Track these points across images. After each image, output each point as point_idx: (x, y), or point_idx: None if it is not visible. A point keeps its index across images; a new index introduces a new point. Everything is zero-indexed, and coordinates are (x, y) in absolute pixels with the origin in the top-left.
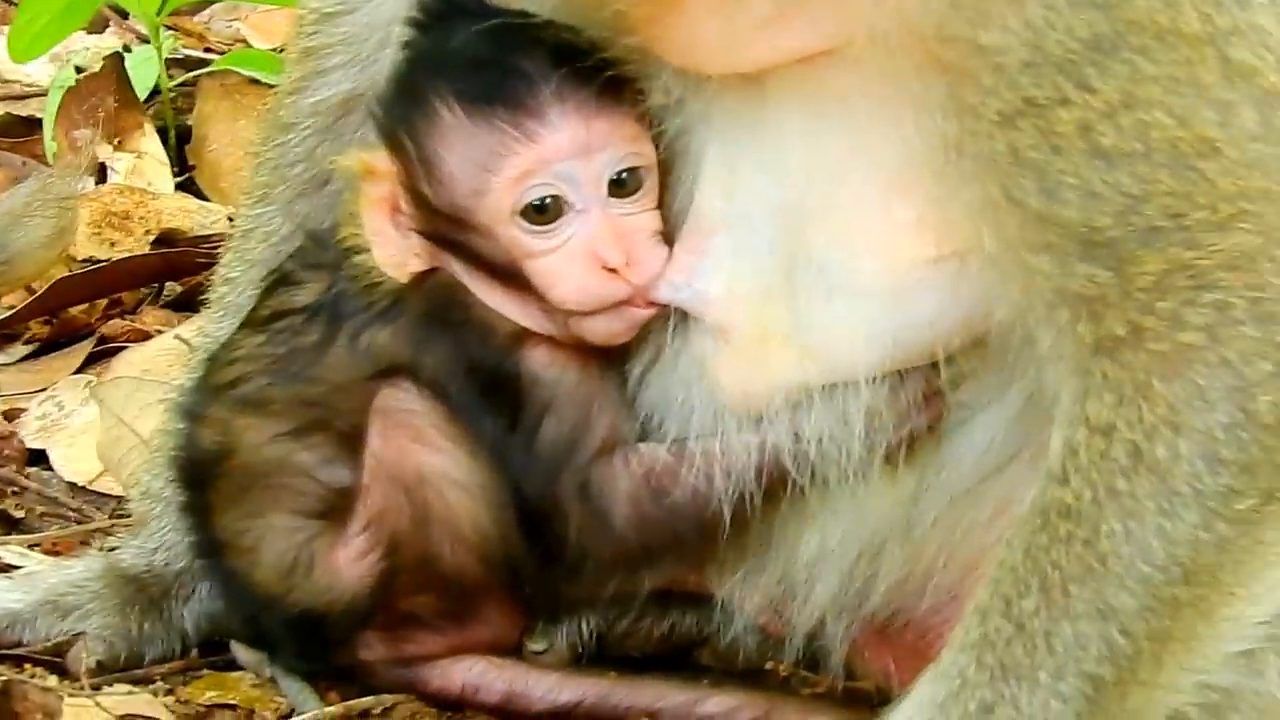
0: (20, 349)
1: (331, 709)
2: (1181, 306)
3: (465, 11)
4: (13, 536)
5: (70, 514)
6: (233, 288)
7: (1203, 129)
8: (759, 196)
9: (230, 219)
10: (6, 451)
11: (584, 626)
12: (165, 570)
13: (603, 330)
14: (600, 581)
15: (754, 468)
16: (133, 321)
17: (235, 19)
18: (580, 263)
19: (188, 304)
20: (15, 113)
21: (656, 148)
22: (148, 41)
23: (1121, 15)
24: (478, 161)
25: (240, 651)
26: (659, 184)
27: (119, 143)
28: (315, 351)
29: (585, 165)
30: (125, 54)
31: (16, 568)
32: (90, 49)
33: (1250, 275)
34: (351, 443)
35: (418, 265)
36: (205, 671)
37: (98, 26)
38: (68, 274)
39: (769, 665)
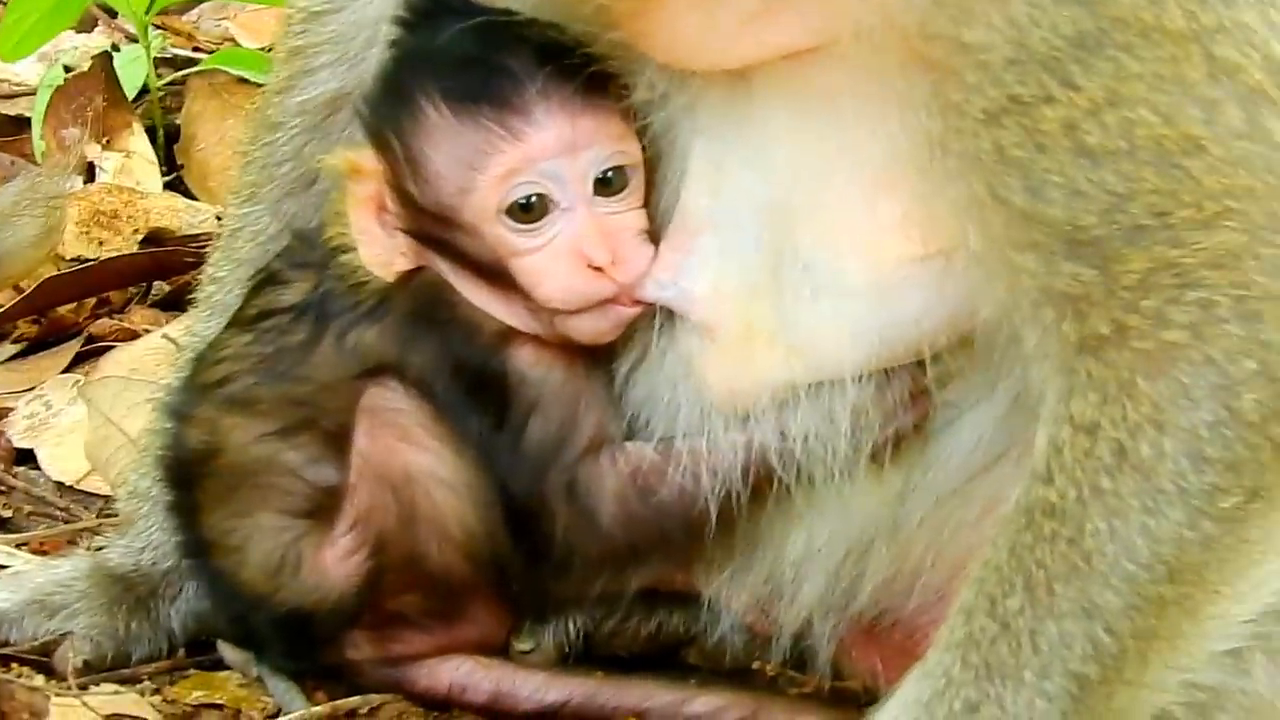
0: (8, 348)
1: (318, 708)
2: (1166, 305)
3: (451, 10)
4: (0, 536)
5: (58, 513)
6: (220, 287)
7: (1188, 127)
8: (745, 194)
9: (219, 218)
10: None
11: (571, 626)
12: (152, 570)
13: (588, 329)
14: (587, 580)
15: (740, 466)
16: (121, 321)
17: (224, 18)
18: (566, 261)
19: (176, 303)
20: (3, 112)
21: (642, 145)
22: (136, 41)
23: (1106, 12)
24: (463, 160)
25: (227, 651)
26: (645, 181)
27: (107, 142)
28: (302, 350)
29: (571, 163)
30: (114, 53)
31: (3, 567)
32: (79, 48)
33: (1235, 273)
34: (338, 442)
35: (404, 264)
36: (192, 671)
37: (86, 25)
38: (56, 273)
39: (756, 665)
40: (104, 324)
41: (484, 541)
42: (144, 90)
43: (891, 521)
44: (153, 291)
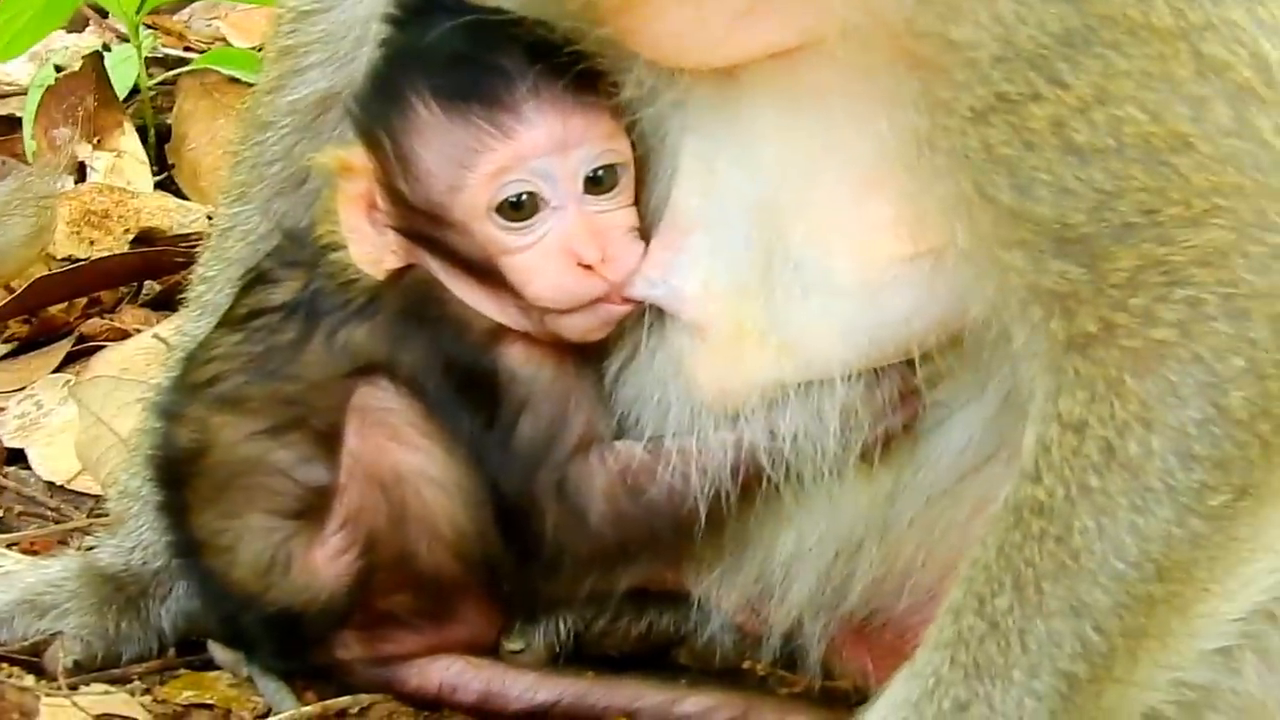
0: None
1: (308, 708)
2: (1154, 303)
3: (442, 8)
4: None
5: (48, 513)
6: (210, 286)
7: (1176, 124)
8: (735, 193)
9: (209, 218)
10: None
11: (561, 626)
12: (143, 569)
13: (578, 327)
14: (577, 580)
15: (730, 465)
16: (111, 320)
17: (215, 17)
18: (556, 259)
19: (167, 303)
20: None
21: (632, 143)
22: (127, 40)
23: (1093, 10)
24: (454, 158)
25: (217, 651)
26: (635, 179)
27: (98, 141)
28: (292, 349)
29: (561, 162)
30: (105, 53)
31: None
32: (70, 48)
33: (1223, 271)
34: (329, 441)
35: (394, 262)
36: (182, 671)
37: (77, 25)
38: (47, 273)
39: (746, 664)
40: (95, 324)
41: (474, 541)
42: (135, 90)
43: (882, 521)
44: (143, 291)
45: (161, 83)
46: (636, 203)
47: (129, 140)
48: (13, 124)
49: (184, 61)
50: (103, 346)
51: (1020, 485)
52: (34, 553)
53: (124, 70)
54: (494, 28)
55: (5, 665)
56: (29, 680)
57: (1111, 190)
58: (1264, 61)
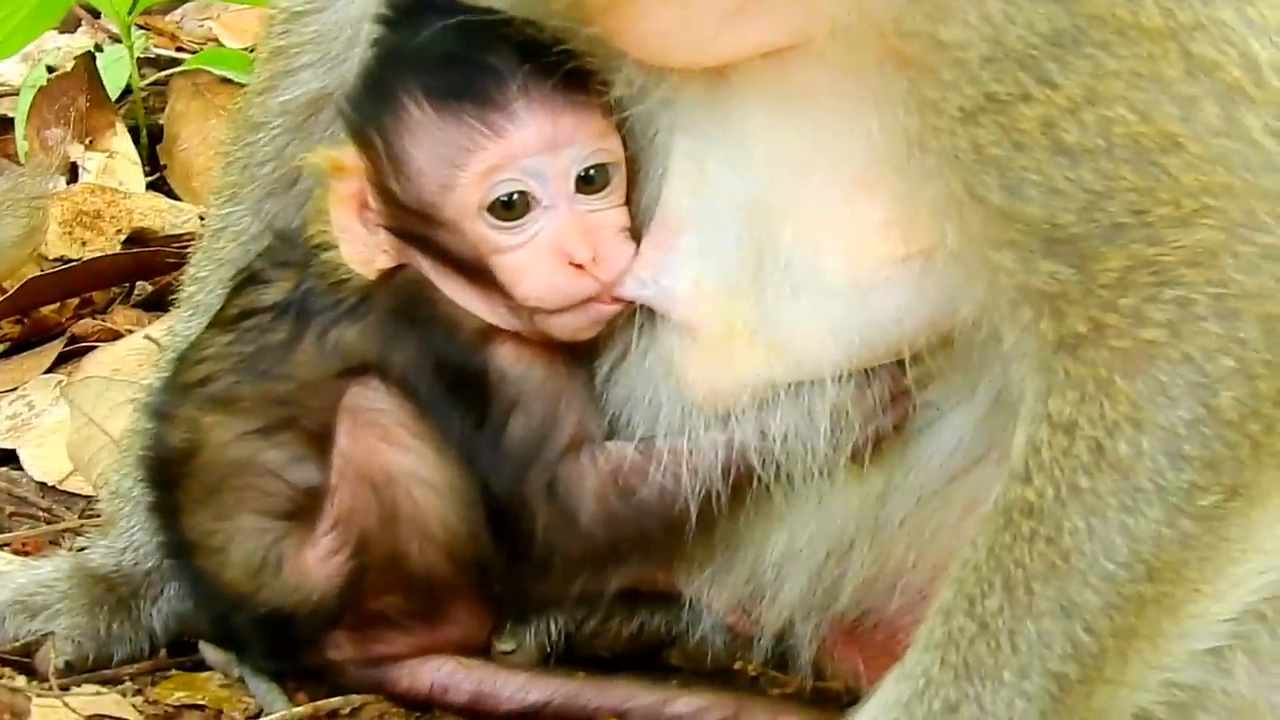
0: None
1: (300, 709)
2: (1143, 303)
3: (433, 8)
4: None
5: (40, 514)
6: (202, 287)
7: (1165, 124)
8: (725, 193)
9: (201, 218)
10: None
11: (552, 626)
12: (134, 570)
13: (569, 326)
14: (568, 580)
15: (721, 466)
16: (103, 321)
17: (207, 18)
18: (547, 259)
19: (158, 303)
20: None
21: (623, 142)
22: (119, 41)
23: (1082, 10)
24: (445, 157)
25: (209, 651)
26: (626, 179)
27: (90, 142)
28: (283, 349)
29: (552, 161)
30: (97, 53)
31: None
32: (62, 48)
33: (1212, 271)
34: (320, 441)
35: (385, 262)
36: (174, 671)
37: (69, 26)
38: (38, 273)
39: (738, 665)
40: (86, 324)
41: (465, 541)
42: (127, 90)
43: (872, 522)
44: (135, 292)
45: (153, 83)
46: (627, 202)
47: (121, 141)
48: (5, 124)
49: (176, 62)
50: (94, 347)
51: (1010, 486)
52: (25, 553)
53: (116, 71)
54: (484, 27)
55: None
56: (20, 681)
57: (1101, 190)
58: (1253, 61)
